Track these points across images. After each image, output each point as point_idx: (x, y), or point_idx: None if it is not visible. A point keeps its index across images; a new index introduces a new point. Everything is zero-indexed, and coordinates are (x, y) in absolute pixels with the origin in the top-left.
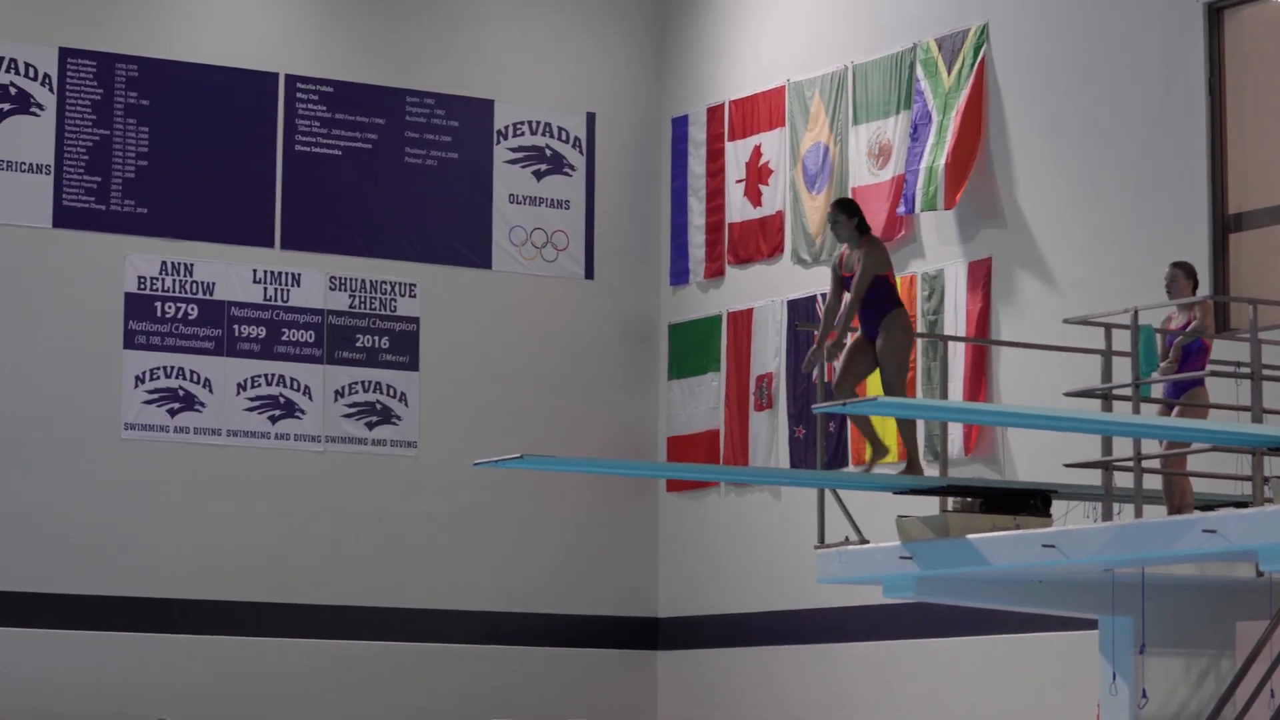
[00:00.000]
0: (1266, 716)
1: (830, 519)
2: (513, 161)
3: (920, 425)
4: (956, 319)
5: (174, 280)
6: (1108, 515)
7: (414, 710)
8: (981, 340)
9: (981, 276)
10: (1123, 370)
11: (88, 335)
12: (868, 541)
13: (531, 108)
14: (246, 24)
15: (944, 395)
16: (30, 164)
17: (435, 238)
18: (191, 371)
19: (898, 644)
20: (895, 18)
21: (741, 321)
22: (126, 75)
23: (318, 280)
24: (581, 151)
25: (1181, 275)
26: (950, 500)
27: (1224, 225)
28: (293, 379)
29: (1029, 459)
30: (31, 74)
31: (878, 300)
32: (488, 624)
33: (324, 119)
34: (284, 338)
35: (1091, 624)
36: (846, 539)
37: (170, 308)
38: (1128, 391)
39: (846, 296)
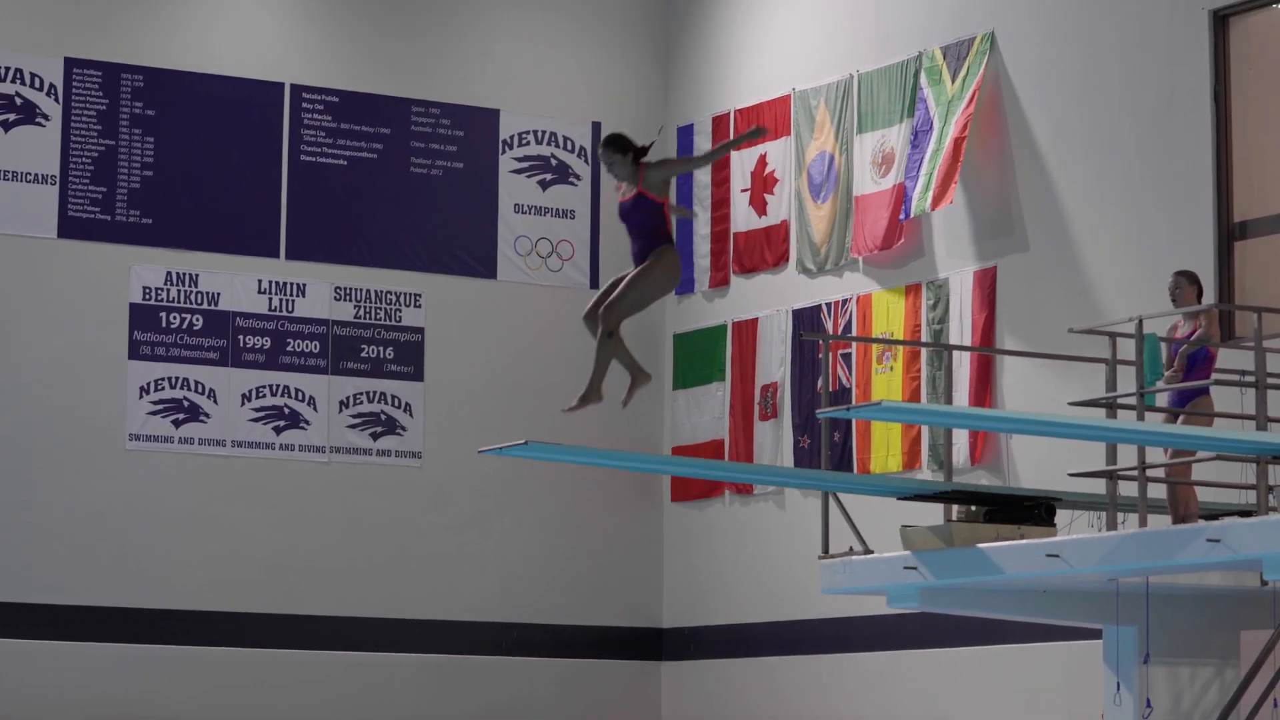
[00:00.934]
0: None
1: (834, 529)
2: (518, 171)
3: (924, 432)
4: (962, 328)
5: (179, 291)
6: (1112, 524)
7: None
8: (986, 349)
9: (987, 286)
10: (1128, 379)
11: (92, 346)
12: (872, 551)
13: (537, 117)
14: (252, 34)
15: (949, 403)
16: (35, 174)
17: (440, 247)
18: (196, 382)
19: (902, 654)
20: (901, 26)
21: (746, 331)
22: (132, 85)
23: (323, 290)
24: (587, 161)
25: (1186, 283)
26: (955, 509)
27: (1229, 233)
28: (297, 389)
29: (1034, 468)
30: (37, 84)
31: (654, 230)
32: (492, 634)
33: (329, 129)
34: (289, 348)
35: (1096, 634)
36: (851, 549)
37: (175, 318)
38: (1132, 400)
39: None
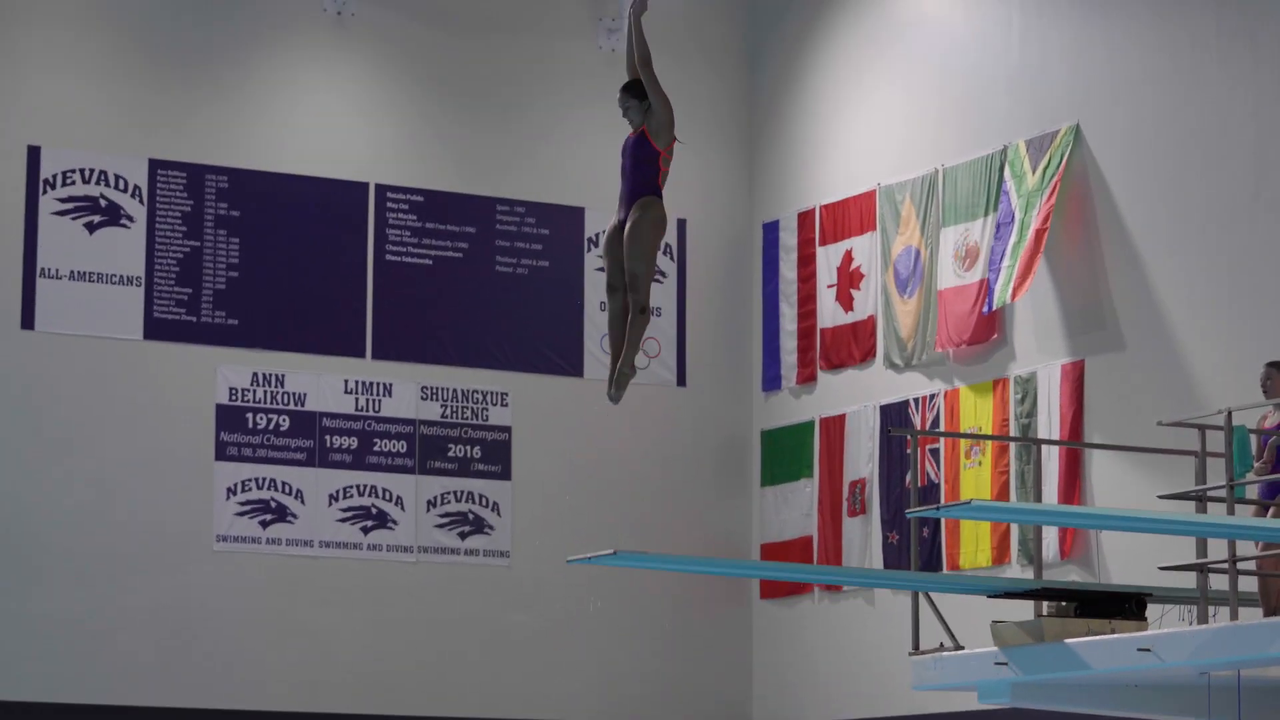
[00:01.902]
0: None
1: (925, 624)
2: (603, 269)
3: (1014, 527)
4: (1050, 422)
5: (265, 391)
6: (1203, 618)
7: None
8: (1075, 443)
9: (1074, 379)
10: (1217, 471)
11: (179, 447)
12: (963, 647)
13: None
14: (336, 133)
15: (1038, 498)
16: (121, 276)
17: (526, 346)
18: (283, 483)
19: None
20: (986, 120)
21: (834, 427)
22: (216, 186)
23: (409, 390)
24: (673, 258)
25: (1278, 374)
26: (1045, 605)
27: None
28: (385, 489)
29: (1123, 562)
30: (122, 186)
31: (645, 177)
32: None
33: (414, 228)
34: (376, 448)
35: None
36: (941, 645)
37: (261, 419)
38: (1222, 493)
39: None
